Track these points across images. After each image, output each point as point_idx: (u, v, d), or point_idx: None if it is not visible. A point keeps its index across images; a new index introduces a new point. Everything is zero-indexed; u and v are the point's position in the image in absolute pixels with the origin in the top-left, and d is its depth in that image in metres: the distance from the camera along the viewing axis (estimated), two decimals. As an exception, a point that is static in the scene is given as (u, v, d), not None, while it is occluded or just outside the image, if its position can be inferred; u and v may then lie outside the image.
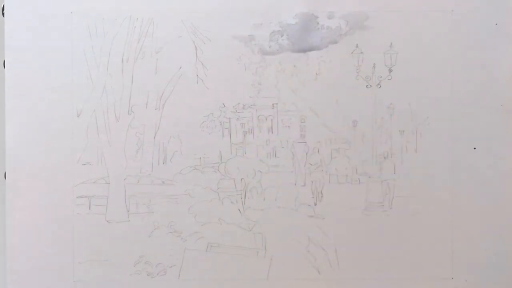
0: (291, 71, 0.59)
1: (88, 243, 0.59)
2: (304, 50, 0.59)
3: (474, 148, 0.59)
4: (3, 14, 0.59)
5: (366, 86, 0.59)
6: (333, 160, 0.59)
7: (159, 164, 0.59)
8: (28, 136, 0.58)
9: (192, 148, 0.59)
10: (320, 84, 0.59)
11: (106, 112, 0.59)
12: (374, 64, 0.59)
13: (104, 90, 0.59)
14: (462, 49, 0.59)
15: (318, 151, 0.59)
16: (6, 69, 0.58)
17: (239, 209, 0.59)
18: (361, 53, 0.59)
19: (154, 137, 0.59)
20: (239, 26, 0.59)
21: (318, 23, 0.59)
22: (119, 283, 0.59)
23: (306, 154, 0.59)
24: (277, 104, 0.59)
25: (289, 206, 0.59)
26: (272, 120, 0.59)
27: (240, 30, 0.59)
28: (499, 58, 0.59)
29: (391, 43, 0.59)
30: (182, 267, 0.59)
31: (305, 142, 0.59)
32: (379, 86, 0.59)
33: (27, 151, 0.58)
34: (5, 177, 0.59)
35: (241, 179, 0.59)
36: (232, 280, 0.59)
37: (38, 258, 0.59)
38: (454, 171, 0.59)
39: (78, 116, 0.59)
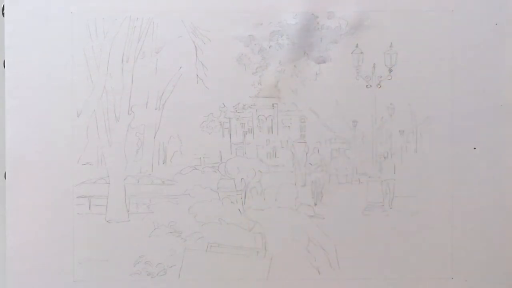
0: (291, 71, 0.59)
1: (88, 243, 0.59)
2: (304, 50, 0.59)
3: (474, 148, 0.59)
4: (3, 14, 0.59)
5: (366, 86, 0.59)
6: (333, 160, 0.59)
7: (159, 164, 0.59)
8: (28, 136, 0.58)
9: (192, 148, 0.59)
10: (320, 84, 0.59)
11: (106, 112, 0.59)
12: (374, 64, 0.59)
13: (104, 90, 0.59)
14: (462, 49, 0.59)
15: (318, 151, 0.59)
16: (6, 69, 0.58)
17: (239, 209, 0.59)
18: (361, 53, 0.59)
19: (154, 137, 0.59)
20: (239, 26, 0.59)
21: (318, 23, 0.59)
22: (119, 283, 0.59)
23: (306, 154, 0.59)
24: (277, 104, 0.59)
25: (289, 206, 0.59)
26: (272, 120, 0.59)
27: (240, 30, 0.59)
28: (499, 58, 0.59)
29: (391, 43, 0.59)
30: (182, 267, 0.59)
31: (305, 142, 0.59)
32: (379, 86, 0.59)
33: (27, 151, 0.58)
34: (5, 177, 0.59)
35: (241, 179, 0.59)
36: (232, 280, 0.59)
37: (38, 258, 0.59)
38: (454, 171, 0.59)
39: (78, 116, 0.59)
